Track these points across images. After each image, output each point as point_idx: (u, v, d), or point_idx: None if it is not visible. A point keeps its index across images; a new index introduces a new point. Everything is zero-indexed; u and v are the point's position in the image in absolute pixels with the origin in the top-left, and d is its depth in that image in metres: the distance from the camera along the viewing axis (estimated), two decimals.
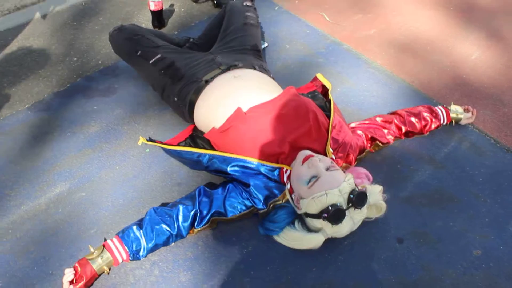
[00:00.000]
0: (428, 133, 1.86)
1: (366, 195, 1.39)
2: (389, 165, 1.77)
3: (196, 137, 1.77)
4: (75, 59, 2.26)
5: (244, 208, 1.52)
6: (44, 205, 1.61)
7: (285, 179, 1.51)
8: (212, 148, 1.66)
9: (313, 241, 1.43)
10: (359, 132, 1.75)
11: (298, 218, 1.48)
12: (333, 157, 1.56)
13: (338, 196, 1.36)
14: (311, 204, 1.39)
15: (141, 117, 1.96)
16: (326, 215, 1.35)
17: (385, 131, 1.78)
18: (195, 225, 1.49)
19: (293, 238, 1.45)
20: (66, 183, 1.68)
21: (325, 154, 1.56)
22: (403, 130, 1.81)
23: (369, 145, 1.76)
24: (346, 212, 1.37)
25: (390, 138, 1.78)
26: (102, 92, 2.08)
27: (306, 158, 1.44)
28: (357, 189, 1.38)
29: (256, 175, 1.51)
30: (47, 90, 2.08)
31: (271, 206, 1.51)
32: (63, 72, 2.18)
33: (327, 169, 1.41)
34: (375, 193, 1.49)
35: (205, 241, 1.52)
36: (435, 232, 1.55)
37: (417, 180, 1.72)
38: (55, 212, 1.59)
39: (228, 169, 1.52)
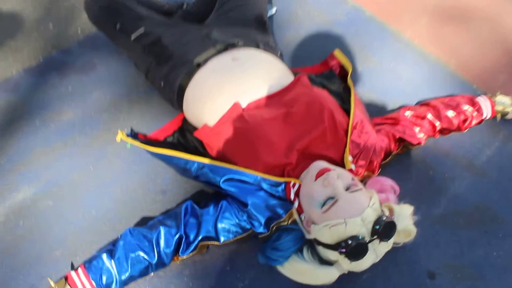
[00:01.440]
0: (467, 130, 1.53)
1: (395, 225, 1.10)
2: (420, 171, 1.46)
3: (187, 132, 1.47)
4: (51, 26, 1.92)
5: (240, 231, 1.24)
6: (3, 216, 1.34)
7: (292, 195, 1.21)
8: (205, 149, 1.36)
9: (325, 276, 1.16)
10: (384, 131, 1.43)
11: (308, 245, 1.20)
12: (353, 167, 1.26)
13: (360, 227, 1.07)
14: (325, 233, 1.10)
15: (123, 102, 1.64)
16: (344, 250, 1.06)
17: (416, 129, 1.46)
18: (179, 252, 1.21)
19: (301, 271, 1.18)
20: (30, 187, 1.41)
21: (343, 163, 1.26)
22: (438, 127, 1.48)
23: (396, 147, 1.44)
24: (369, 245, 1.08)
25: (421, 137, 1.46)
26: (79, 69, 1.75)
27: (320, 173, 1.14)
28: (383, 217, 1.08)
29: (256, 192, 1.21)
30: (16, 66, 1.76)
31: (274, 228, 1.23)
32: (36, 43, 1.85)
33: (347, 189, 1.11)
34: (405, 217, 1.19)
35: (192, 271, 1.25)
36: (475, 264, 1.26)
37: (453, 193, 1.41)
38: (15, 225, 1.32)
39: (221, 183, 1.22)
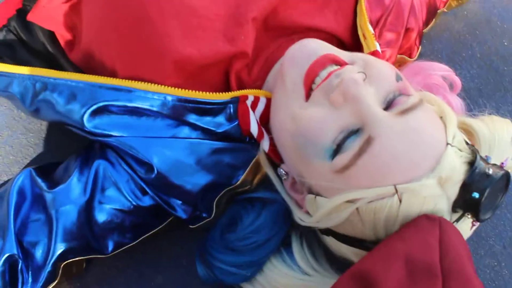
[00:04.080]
0: None
1: (509, 180, 0.45)
2: (483, 41, 0.79)
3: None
4: None
5: (146, 223, 0.56)
6: None
7: (253, 126, 0.52)
8: (58, 48, 0.63)
9: None
10: None
11: (299, 232, 0.55)
12: (378, 47, 0.57)
13: (435, 198, 0.42)
14: (348, 219, 0.45)
15: None
16: None
17: None
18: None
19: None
20: None
21: (355, 42, 0.58)
22: None
23: None
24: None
25: None
26: None
27: (314, 72, 0.46)
28: (484, 166, 0.43)
29: (169, 131, 0.51)
30: None
31: (223, 206, 0.56)
32: None
33: (389, 105, 0.45)
34: (504, 144, 0.52)
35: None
36: None
37: None
38: None
39: (86, 120, 0.51)
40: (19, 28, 0.65)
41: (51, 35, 0.62)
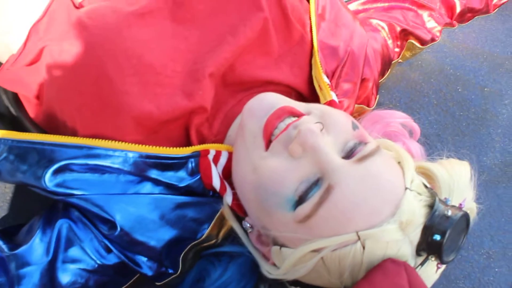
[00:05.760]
0: (496, 9, 0.89)
1: (468, 221, 0.45)
2: (438, 89, 0.82)
3: None
4: None
5: (114, 282, 0.55)
6: None
7: (214, 180, 0.52)
8: (21, 110, 0.63)
9: None
10: (375, 22, 0.76)
11: (266, 286, 0.54)
12: (334, 97, 0.59)
13: (397, 243, 0.42)
14: (314, 269, 0.44)
15: None
16: None
17: (425, 14, 0.80)
18: None
19: None
20: None
21: (311, 94, 0.60)
22: (458, 8, 0.83)
23: (397, 49, 0.78)
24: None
25: (434, 28, 0.80)
26: None
27: (272, 124, 0.47)
28: (442, 208, 0.44)
29: (131, 188, 0.51)
30: None
31: (188, 262, 0.55)
32: None
33: (349, 154, 0.45)
34: (463, 186, 0.53)
35: None
36: None
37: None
38: None
39: (46, 180, 0.50)
40: None
41: (15, 98, 0.63)
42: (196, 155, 0.51)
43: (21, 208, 0.68)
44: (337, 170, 0.42)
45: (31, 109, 0.61)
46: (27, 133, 0.52)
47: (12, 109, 0.63)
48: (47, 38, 0.53)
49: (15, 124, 0.62)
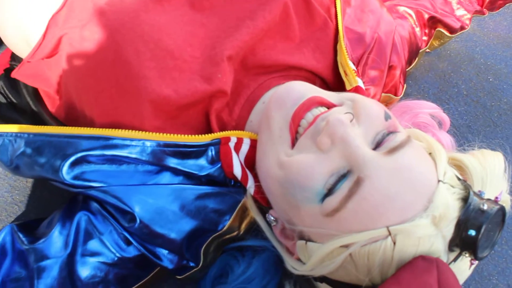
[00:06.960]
0: None
1: (504, 215, 0.42)
2: (468, 78, 0.79)
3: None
4: None
5: (134, 275, 0.53)
6: None
7: (236, 169, 0.50)
8: (41, 105, 0.62)
9: None
10: (402, 9, 0.74)
11: (293, 280, 0.51)
12: (361, 83, 0.56)
13: (430, 238, 0.39)
14: (345, 264, 0.42)
15: None
16: None
17: (454, 2, 0.77)
18: None
19: None
20: None
21: (337, 80, 0.57)
22: None
23: (425, 37, 0.75)
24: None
25: (464, 16, 0.77)
26: None
27: (300, 115, 0.45)
28: (477, 202, 0.41)
29: (150, 178, 0.50)
30: None
31: (210, 255, 0.53)
32: None
33: (377, 145, 0.43)
34: (496, 179, 0.50)
35: None
36: None
37: None
38: None
39: (64, 173, 0.49)
40: (6, 87, 0.66)
41: (35, 93, 0.62)
42: (217, 143, 0.49)
43: (42, 203, 0.67)
44: (367, 162, 0.40)
45: (51, 104, 0.60)
46: (42, 126, 0.52)
47: (32, 104, 0.62)
48: (66, 27, 0.52)
49: (36, 119, 0.61)
